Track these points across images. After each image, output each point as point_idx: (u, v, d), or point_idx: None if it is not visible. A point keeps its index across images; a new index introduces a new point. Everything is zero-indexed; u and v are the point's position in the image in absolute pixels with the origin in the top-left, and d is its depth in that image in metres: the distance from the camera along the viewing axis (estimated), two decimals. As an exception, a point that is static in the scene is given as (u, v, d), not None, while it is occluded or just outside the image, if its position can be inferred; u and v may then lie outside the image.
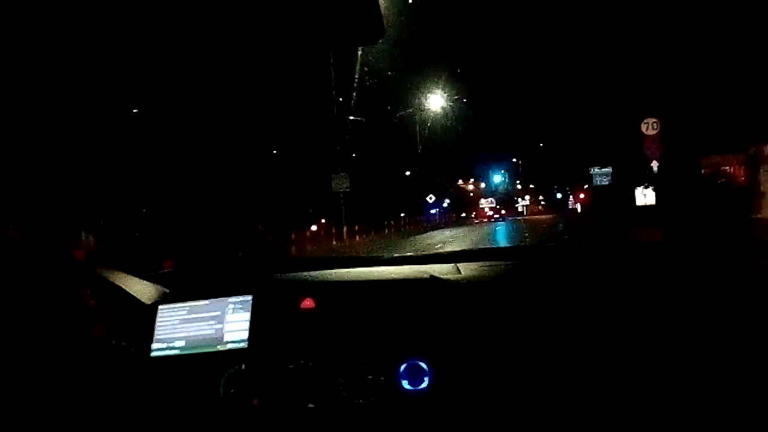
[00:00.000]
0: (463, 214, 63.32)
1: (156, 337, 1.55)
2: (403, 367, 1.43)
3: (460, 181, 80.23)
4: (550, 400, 1.38)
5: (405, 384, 1.42)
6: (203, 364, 1.49)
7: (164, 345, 1.54)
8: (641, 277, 1.60)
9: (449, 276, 1.66)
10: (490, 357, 1.43)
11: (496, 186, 78.23)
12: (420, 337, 1.46)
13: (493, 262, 1.85)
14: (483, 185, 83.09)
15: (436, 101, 31.21)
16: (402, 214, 34.03)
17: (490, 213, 60.48)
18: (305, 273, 1.83)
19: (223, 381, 1.47)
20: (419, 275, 1.65)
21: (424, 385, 1.42)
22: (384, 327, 1.49)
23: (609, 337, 1.42)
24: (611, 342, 1.42)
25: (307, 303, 1.55)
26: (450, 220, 48.06)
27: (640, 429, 1.34)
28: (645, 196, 17.16)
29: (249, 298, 1.58)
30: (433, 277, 1.60)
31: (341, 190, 19.64)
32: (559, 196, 54.16)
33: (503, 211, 61.03)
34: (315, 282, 1.68)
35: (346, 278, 1.71)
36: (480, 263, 1.82)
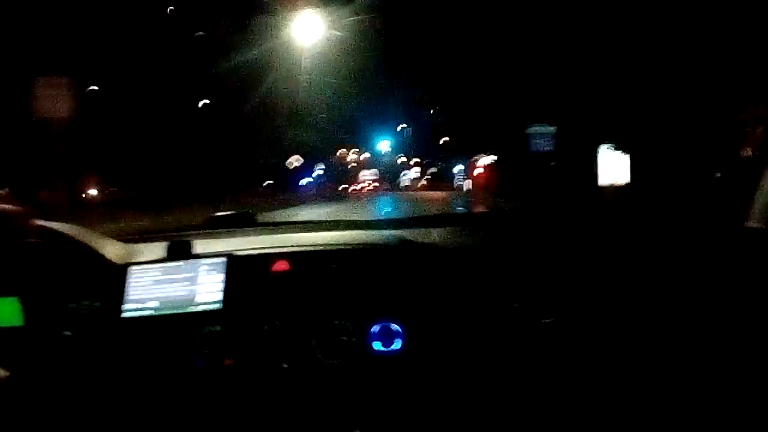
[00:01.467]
0: (344, 186, 57.37)
1: (128, 297, 1.58)
2: (375, 328, 1.51)
3: (342, 150, 69.16)
4: (520, 363, 1.44)
5: (377, 345, 1.52)
6: (176, 325, 1.54)
7: (137, 306, 1.57)
8: (611, 236, 1.64)
9: (423, 240, 1.72)
10: (462, 320, 1.50)
11: (379, 156, 70.56)
12: (393, 300, 1.55)
13: (465, 227, 1.96)
14: (367, 155, 73.18)
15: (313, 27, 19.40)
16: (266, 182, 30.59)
17: (369, 186, 58.73)
18: (279, 235, 1.89)
19: (197, 342, 1.53)
20: (393, 239, 1.71)
21: (396, 346, 1.51)
22: (357, 289, 1.58)
23: (581, 299, 1.47)
24: (583, 304, 1.46)
25: (281, 265, 1.61)
26: (324, 192, 43.08)
27: (605, 389, 1.39)
28: (612, 168, 9.84)
29: (223, 260, 1.62)
30: (406, 241, 1.69)
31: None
32: (459, 168, 47.34)
33: (376, 185, 59.11)
34: (289, 244, 1.71)
35: (319, 241, 1.75)
36: (453, 227, 1.90)
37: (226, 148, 18.86)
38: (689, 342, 1.43)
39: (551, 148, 13.83)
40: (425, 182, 58.81)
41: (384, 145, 55.62)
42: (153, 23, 17.14)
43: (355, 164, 79.60)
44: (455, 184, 47.07)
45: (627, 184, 10.04)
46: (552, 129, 14.18)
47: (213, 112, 21.92)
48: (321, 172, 45.99)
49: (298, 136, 30.34)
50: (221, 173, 18.86)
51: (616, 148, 9.57)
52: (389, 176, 65.61)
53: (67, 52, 13.94)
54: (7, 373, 1.22)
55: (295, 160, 34.37)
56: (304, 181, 47.49)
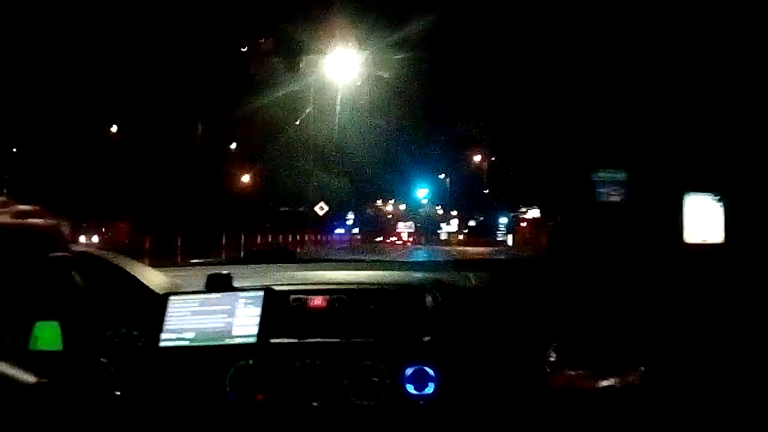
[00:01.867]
0: (379, 238, 55.81)
1: (165, 327, 1.65)
2: (409, 371, 1.55)
3: (379, 202, 69.80)
4: (553, 413, 1.48)
5: (410, 388, 1.56)
6: (211, 357, 1.61)
7: (174, 336, 1.66)
8: (642, 286, 1.66)
9: (459, 283, 1.80)
10: (496, 366, 1.54)
11: (417, 207, 68.08)
12: (427, 342, 1.57)
13: (502, 272, 2.01)
14: (403, 207, 70.83)
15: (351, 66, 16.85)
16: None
17: (407, 238, 57.52)
18: (316, 272, 2.00)
19: (230, 375, 1.60)
20: (430, 280, 1.75)
21: (429, 390, 1.55)
22: (391, 330, 1.61)
23: (611, 344, 1.50)
24: (614, 349, 1.50)
25: (317, 302, 1.67)
26: (355, 242, 41.50)
27: None
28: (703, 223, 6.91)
29: (260, 293, 1.71)
30: (442, 283, 1.74)
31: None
32: (503, 221, 43.96)
33: (411, 239, 57.10)
34: (326, 281, 1.81)
35: (357, 280, 1.83)
36: (490, 272, 1.97)
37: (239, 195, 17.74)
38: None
39: (622, 198, 11.04)
40: (462, 236, 55.51)
41: (422, 193, 52.75)
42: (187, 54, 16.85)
43: (390, 215, 77.91)
44: (498, 239, 44.38)
45: (720, 243, 7.45)
46: (623, 174, 11.34)
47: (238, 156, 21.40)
48: (350, 222, 43.31)
49: (327, 181, 28.46)
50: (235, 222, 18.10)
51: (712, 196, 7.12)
52: (427, 230, 63.44)
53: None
54: (42, 380, 1.14)
55: (318, 209, 32.57)
56: (338, 231, 45.55)
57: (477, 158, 44.11)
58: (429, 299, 1.66)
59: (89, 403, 1.39)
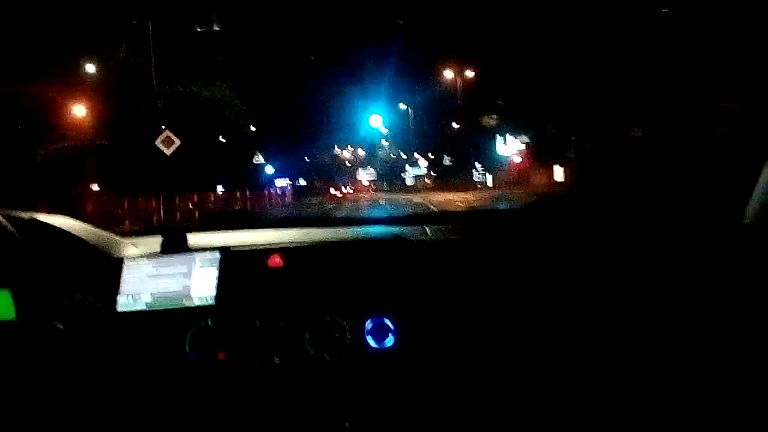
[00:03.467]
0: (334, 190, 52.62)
1: (122, 291, 1.58)
2: (368, 324, 1.50)
3: (336, 149, 66.73)
4: (512, 361, 1.46)
5: (370, 341, 1.49)
6: (170, 320, 1.54)
7: (130, 300, 1.57)
8: (609, 246, 1.62)
9: (417, 237, 1.72)
10: (455, 317, 1.50)
11: (374, 146, 59.24)
12: (386, 296, 1.54)
13: (460, 225, 1.96)
14: (362, 152, 67.89)
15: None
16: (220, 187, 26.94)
17: (367, 185, 53.59)
18: (272, 230, 1.94)
19: (189, 336, 1.52)
20: (386, 235, 1.72)
21: (389, 342, 1.49)
22: (350, 285, 1.56)
23: (571, 303, 1.50)
24: (579, 306, 1.49)
25: (275, 260, 1.59)
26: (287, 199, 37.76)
27: (593, 386, 1.43)
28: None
29: (217, 254, 1.60)
30: (399, 237, 1.67)
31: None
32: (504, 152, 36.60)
33: (373, 186, 52.95)
34: (282, 240, 1.74)
35: (314, 237, 1.78)
36: (447, 225, 1.91)
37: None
38: (688, 342, 1.44)
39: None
40: (428, 180, 46.67)
41: (376, 121, 42.70)
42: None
43: (349, 162, 70.05)
44: (475, 180, 36.68)
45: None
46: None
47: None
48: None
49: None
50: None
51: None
52: (388, 175, 55.56)
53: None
54: None
55: (255, 159, 26.19)
56: (281, 183, 37.60)
57: (448, 74, 35.46)
58: (387, 253, 1.61)
59: (47, 370, 1.38)
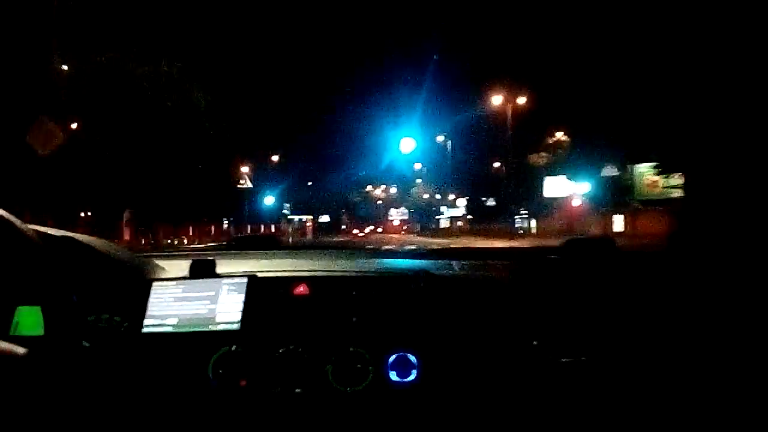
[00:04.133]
0: (368, 229, 52.33)
1: (148, 313, 1.63)
2: (392, 358, 1.53)
3: (369, 187, 64.36)
4: (535, 400, 1.50)
5: (393, 375, 1.52)
6: (194, 343, 1.59)
7: (156, 321, 1.63)
8: (629, 287, 1.70)
9: (442, 271, 1.80)
10: (478, 353, 1.54)
11: (406, 187, 55.37)
12: (410, 330, 1.57)
13: (486, 261, 2.04)
14: (394, 190, 64.32)
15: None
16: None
17: (398, 225, 51.86)
18: (300, 259, 2.05)
19: (213, 361, 1.56)
20: (413, 269, 1.75)
21: (411, 377, 1.52)
22: (375, 318, 1.60)
23: (601, 342, 1.54)
24: (603, 347, 1.54)
25: (301, 289, 1.65)
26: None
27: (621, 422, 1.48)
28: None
29: (244, 280, 1.67)
30: (425, 272, 1.71)
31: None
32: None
33: (405, 227, 50.47)
34: (309, 268, 1.81)
35: (340, 268, 1.85)
36: (474, 261, 2.02)
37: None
38: (708, 384, 1.50)
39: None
40: (461, 223, 42.13)
41: (408, 147, 36.01)
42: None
43: (381, 201, 66.93)
44: (516, 225, 32.59)
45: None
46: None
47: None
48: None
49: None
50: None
51: None
52: (421, 216, 51.82)
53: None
54: (25, 350, 1.25)
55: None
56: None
57: (491, 103, 31.55)
58: (413, 287, 1.65)
59: (71, 387, 1.43)
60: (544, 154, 30.59)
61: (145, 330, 1.59)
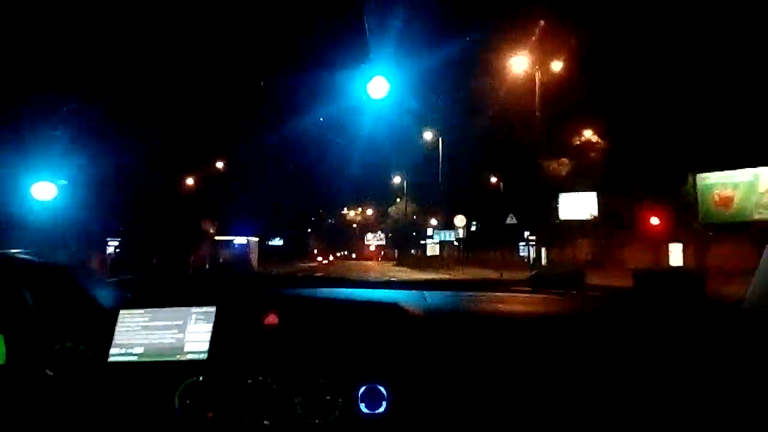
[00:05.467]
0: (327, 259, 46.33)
1: (115, 342, 1.66)
2: (361, 389, 1.56)
3: (344, 209, 57.61)
4: (501, 427, 1.55)
5: (362, 407, 1.54)
6: (161, 373, 1.60)
7: (123, 350, 1.65)
8: (603, 323, 1.74)
9: (414, 303, 1.82)
10: (448, 386, 1.56)
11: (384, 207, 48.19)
12: (380, 362, 1.60)
13: (459, 293, 2.09)
14: (371, 212, 57.35)
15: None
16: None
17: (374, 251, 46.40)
18: (270, 289, 2.10)
19: (179, 391, 1.56)
20: (384, 300, 1.80)
21: (381, 409, 1.54)
22: (345, 349, 1.63)
23: (563, 375, 1.56)
24: (564, 380, 1.55)
25: (271, 319, 1.67)
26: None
27: None
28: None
29: (212, 309, 1.69)
30: (396, 304, 1.75)
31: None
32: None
33: (381, 253, 44.15)
34: (279, 298, 1.83)
35: (311, 298, 1.85)
36: (447, 292, 2.07)
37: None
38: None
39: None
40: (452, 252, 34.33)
41: (378, 88, 26.31)
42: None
43: (355, 225, 60.22)
44: (522, 254, 25.47)
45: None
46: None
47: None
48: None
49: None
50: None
51: None
52: (402, 242, 44.28)
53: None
54: None
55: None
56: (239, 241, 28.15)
57: (516, 65, 23.68)
58: (384, 319, 1.67)
59: (34, 416, 1.44)
60: (566, 160, 23.40)
61: (111, 359, 1.62)
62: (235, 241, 27.80)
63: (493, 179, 30.74)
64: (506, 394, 1.51)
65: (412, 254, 40.97)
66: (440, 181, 31.68)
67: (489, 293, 2.04)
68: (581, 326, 1.66)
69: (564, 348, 1.57)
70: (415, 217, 43.01)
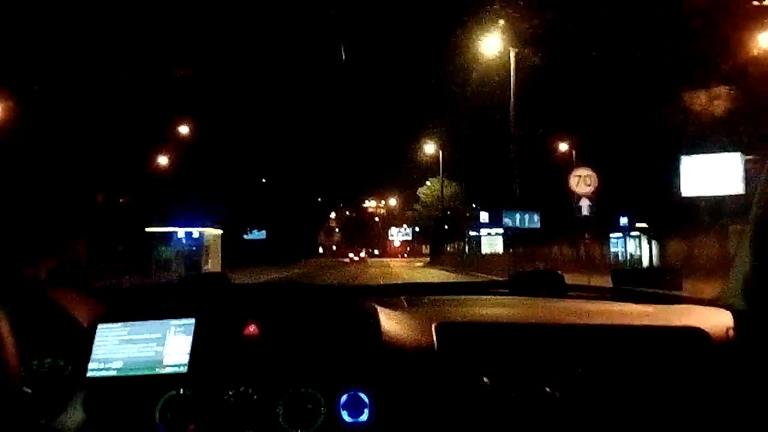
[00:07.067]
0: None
1: (93, 356, 1.69)
2: (344, 398, 1.59)
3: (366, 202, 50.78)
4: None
5: (345, 415, 1.57)
6: (141, 387, 1.64)
7: (101, 365, 1.67)
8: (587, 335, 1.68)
9: (395, 308, 1.87)
10: (431, 392, 1.58)
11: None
12: (362, 369, 1.63)
13: (440, 297, 2.20)
14: (394, 201, 48.29)
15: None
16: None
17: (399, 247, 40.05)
18: (249, 297, 2.15)
19: (160, 405, 1.60)
20: (365, 307, 1.81)
21: (364, 417, 1.57)
22: (326, 357, 1.65)
23: (553, 385, 1.53)
24: (557, 391, 1.52)
25: (251, 329, 1.69)
26: None
27: None
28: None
29: (192, 321, 1.72)
30: (378, 309, 1.78)
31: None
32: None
33: (407, 249, 37.86)
34: (259, 307, 1.84)
35: (291, 307, 1.83)
36: (428, 297, 2.16)
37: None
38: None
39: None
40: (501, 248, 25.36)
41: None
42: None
43: (377, 218, 53.36)
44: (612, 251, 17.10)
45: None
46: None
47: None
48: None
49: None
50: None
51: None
52: (436, 238, 36.32)
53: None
54: None
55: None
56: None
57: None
58: (365, 325, 1.68)
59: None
60: (722, 89, 14.50)
61: (89, 374, 1.65)
62: (179, 235, 20.01)
63: (564, 146, 22.56)
64: (491, 401, 1.53)
65: (447, 251, 32.80)
66: (512, 142, 20.25)
67: None
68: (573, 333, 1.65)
69: (562, 358, 1.59)
70: (454, 203, 33.79)
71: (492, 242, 24.03)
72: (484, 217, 25.89)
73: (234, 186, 25.38)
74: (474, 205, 27.27)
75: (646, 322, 1.70)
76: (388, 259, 36.09)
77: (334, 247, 47.34)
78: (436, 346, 1.56)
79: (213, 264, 21.50)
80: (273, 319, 1.64)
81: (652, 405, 1.48)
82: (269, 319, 1.63)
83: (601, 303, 2.02)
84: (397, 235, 44.63)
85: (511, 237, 20.92)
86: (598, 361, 1.53)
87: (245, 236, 31.17)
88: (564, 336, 1.59)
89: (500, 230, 22.25)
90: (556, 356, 1.54)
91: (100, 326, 1.63)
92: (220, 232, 23.51)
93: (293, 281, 16.65)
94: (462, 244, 29.00)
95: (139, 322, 1.64)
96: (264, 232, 36.05)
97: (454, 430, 1.48)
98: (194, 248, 20.75)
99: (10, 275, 1.63)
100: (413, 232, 40.09)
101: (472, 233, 27.59)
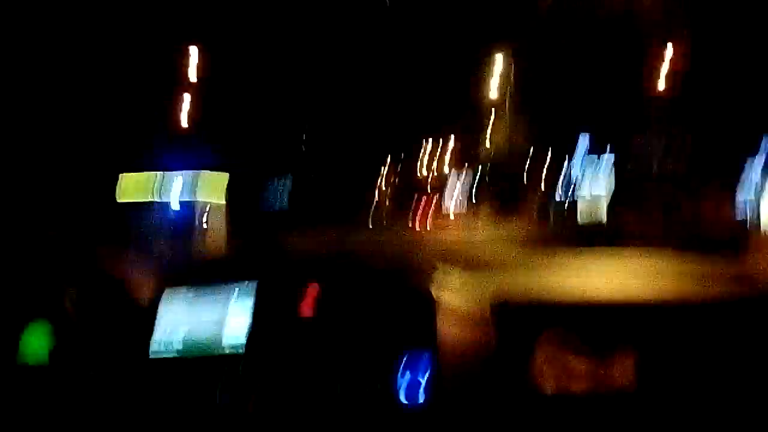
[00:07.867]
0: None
1: (156, 328, 1.68)
2: (401, 380, 1.55)
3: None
4: (540, 414, 1.48)
5: (402, 397, 1.56)
6: (201, 367, 1.63)
7: (163, 344, 1.66)
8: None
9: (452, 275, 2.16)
10: (483, 372, 1.50)
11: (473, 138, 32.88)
12: (420, 333, 1.56)
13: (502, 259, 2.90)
14: (453, 143, 32.58)
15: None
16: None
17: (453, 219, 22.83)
18: (311, 268, 2.06)
19: (221, 383, 1.59)
20: (417, 285, 1.84)
21: (421, 399, 1.54)
22: (385, 337, 1.59)
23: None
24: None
25: (311, 295, 1.63)
26: None
27: None
28: None
29: (254, 282, 1.74)
30: (426, 287, 1.82)
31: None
32: None
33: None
34: (319, 270, 1.78)
35: (349, 271, 1.85)
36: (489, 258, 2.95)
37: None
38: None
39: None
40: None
41: None
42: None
43: (424, 180, 46.41)
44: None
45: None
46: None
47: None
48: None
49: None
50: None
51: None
52: (503, 197, 29.88)
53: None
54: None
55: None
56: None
57: None
58: (416, 305, 1.70)
59: (76, 417, 1.36)
60: None
61: (151, 356, 1.76)
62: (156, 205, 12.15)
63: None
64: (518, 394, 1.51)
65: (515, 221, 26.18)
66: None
67: None
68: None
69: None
70: (531, 145, 24.22)
71: (582, 200, 13.61)
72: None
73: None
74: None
75: None
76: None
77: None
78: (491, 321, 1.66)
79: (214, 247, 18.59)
80: (333, 279, 1.80)
81: None
82: (330, 279, 1.80)
83: None
84: (450, 199, 38.03)
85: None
86: None
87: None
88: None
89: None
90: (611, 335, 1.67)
91: (166, 290, 1.83)
92: (222, 203, 19.23)
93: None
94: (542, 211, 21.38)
95: (203, 288, 1.83)
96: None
97: (509, 416, 1.52)
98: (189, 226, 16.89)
99: (78, 261, 1.86)
100: (471, 191, 33.29)
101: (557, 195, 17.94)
